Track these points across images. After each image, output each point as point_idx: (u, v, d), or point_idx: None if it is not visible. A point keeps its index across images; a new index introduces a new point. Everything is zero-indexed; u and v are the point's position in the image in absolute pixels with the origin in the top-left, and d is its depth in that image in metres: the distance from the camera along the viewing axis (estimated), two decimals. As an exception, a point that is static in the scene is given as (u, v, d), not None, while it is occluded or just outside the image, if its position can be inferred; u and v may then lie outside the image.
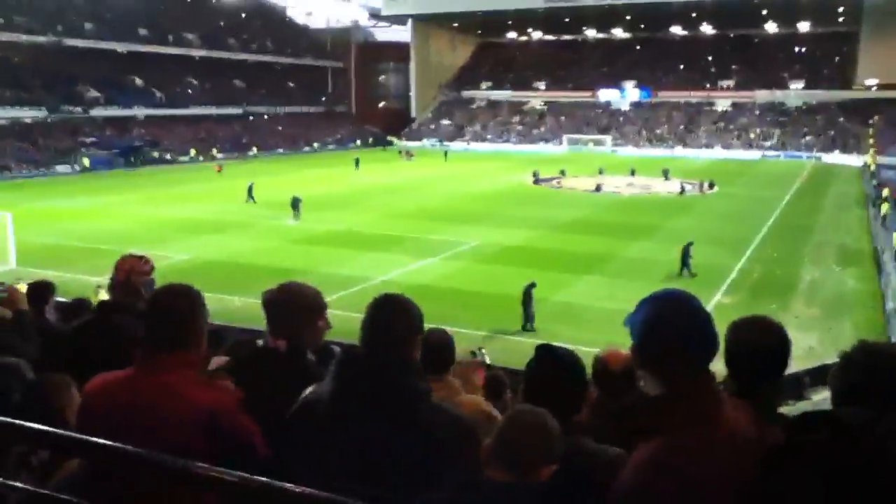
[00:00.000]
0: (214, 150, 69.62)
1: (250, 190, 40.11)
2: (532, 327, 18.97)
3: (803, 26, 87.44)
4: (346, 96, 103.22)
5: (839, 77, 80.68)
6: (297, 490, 1.65)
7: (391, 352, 2.26)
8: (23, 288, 6.41)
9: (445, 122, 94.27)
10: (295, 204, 35.11)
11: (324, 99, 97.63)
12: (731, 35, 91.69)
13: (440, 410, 2.25)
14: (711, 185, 47.51)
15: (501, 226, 33.41)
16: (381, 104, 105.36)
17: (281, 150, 77.28)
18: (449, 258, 27.49)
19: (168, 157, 65.85)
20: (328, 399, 2.26)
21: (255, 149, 73.93)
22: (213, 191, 45.58)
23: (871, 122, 72.36)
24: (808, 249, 29.63)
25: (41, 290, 5.56)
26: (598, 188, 46.95)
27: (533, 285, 19.63)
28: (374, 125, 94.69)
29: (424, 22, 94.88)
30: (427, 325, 2.52)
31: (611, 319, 18.19)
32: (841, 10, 77.86)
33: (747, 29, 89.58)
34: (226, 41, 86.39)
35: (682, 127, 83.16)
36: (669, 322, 1.93)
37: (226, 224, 33.86)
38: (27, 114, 62.15)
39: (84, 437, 1.91)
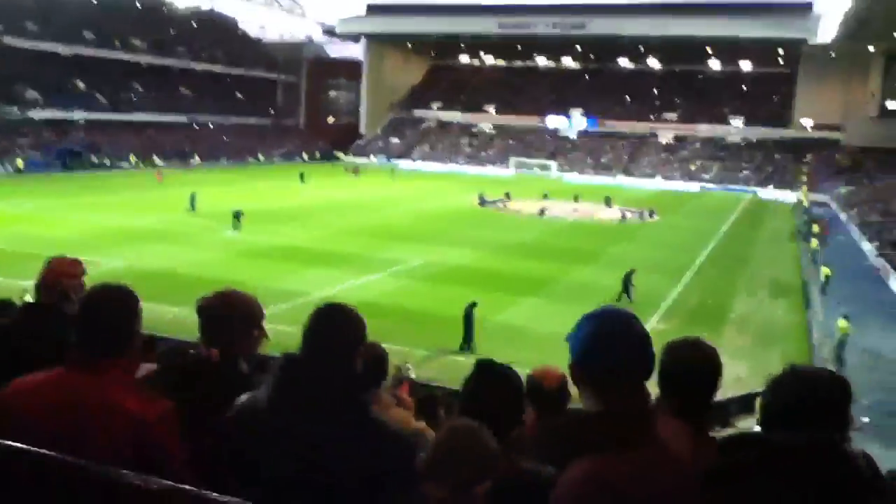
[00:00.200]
0: (156, 158, 68.16)
1: (193, 199, 39.37)
2: (471, 347, 18.99)
3: (745, 66, 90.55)
4: (296, 110, 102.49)
5: (777, 116, 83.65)
6: (223, 500, 1.60)
7: (334, 360, 2.22)
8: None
9: (395, 140, 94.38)
10: (237, 216, 34.58)
11: (272, 111, 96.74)
12: (677, 70, 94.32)
13: (380, 423, 2.21)
14: (652, 214, 48.55)
15: (446, 245, 33.49)
16: (331, 119, 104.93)
17: (225, 161, 76.11)
18: (392, 276, 27.40)
19: (107, 162, 64.25)
20: (266, 406, 2.19)
21: (197, 158, 72.57)
22: (152, 199, 44.60)
23: (805, 160, 75.18)
24: (741, 280, 30.46)
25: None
26: (542, 212, 47.51)
27: (474, 305, 19.69)
28: (322, 140, 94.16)
29: (378, 41, 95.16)
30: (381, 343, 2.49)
31: (550, 341, 18.33)
32: (780, 52, 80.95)
33: (692, 65, 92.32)
34: (175, 49, 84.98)
35: (626, 156, 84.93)
36: (607, 339, 1.94)
37: (164, 233, 33.12)
38: (-41, 112, 60.04)
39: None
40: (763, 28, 73.29)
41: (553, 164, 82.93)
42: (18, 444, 1.77)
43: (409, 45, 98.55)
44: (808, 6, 74.01)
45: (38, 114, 65.31)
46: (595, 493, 1.80)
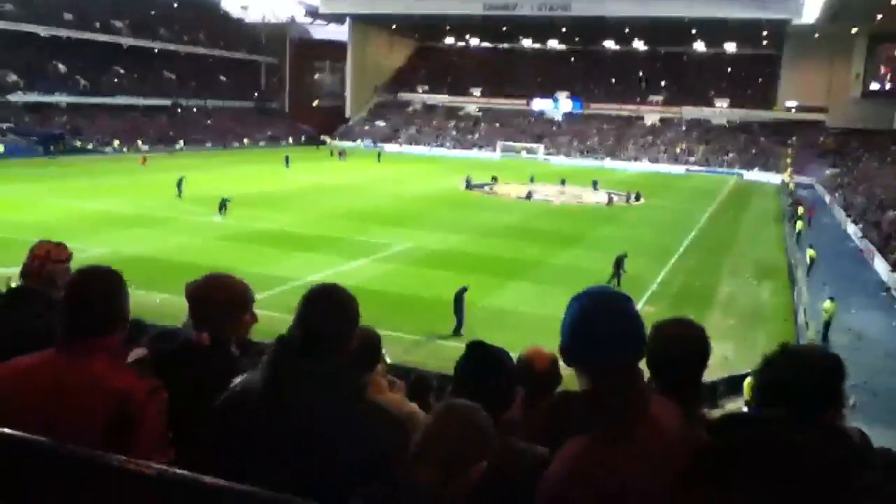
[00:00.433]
0: (140, 142, 67.54)
1: (180, 184, 39.07)
2: (462, 332, 19.01)
3: (730, 47, 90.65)
4: (280, 93, 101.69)
5: (762, 98, 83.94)
6: (213, 483, 1.59)
7: (329, 342, 2.20)
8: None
9: (380, 123, 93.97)
10: (223, 204, 34.34)
11: (256, 95, 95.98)
12: (662, 52, 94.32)
13: (377, 406, 2.20)
14: (638, 197, 48.69)
15: (433, 229, 33.47)
16: (315, 102, 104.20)
17: (209, 145, 75.53)
18: (380, 260, 27.36)
19: (90, 147, 63.60)
20: (261, 390, 2.17)
21: (181, 142, 72.01)
22: (136, 184, 44.23)
23: (789, 142, 75.54)
24: (727, 262, 30.66)
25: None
26: (529, 196, 47.53)
27: (465, 290, 19.70)
28: (307, 123, 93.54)
29: (363, 22, 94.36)
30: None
31: (539, 325, 18.40)
32: (765, 34, 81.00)
33: (677, 47, 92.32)
34: (156, 30, 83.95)
35: (611, 139, 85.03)
36: (597, 318, 1.94)
37: (148, 219, 32.89)
38: (-63, 95, 59.17)
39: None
40: (747, 9, 73.18)
41: (539, 147, 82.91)
42: (6, 430, 1.75)
43: (394, 27, 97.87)
44: (793, -14, 73.97)
45: (18, 97, 64.46)
46: (589, 470, 1.81)
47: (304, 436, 2.07)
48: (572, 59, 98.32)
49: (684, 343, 2.42)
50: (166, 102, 79.19)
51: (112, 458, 1.67)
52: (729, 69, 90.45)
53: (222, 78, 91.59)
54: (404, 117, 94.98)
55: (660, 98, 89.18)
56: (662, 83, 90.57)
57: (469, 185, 51.07)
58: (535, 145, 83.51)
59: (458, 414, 1.94)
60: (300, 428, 2.08)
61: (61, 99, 68.74)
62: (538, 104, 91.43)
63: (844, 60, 75.50)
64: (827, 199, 54.20)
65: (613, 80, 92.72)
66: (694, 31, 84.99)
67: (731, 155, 78.32)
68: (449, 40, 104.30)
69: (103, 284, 2.37)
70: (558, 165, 73.42)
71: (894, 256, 29.09)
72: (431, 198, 45.07)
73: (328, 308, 2.27)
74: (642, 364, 2.04)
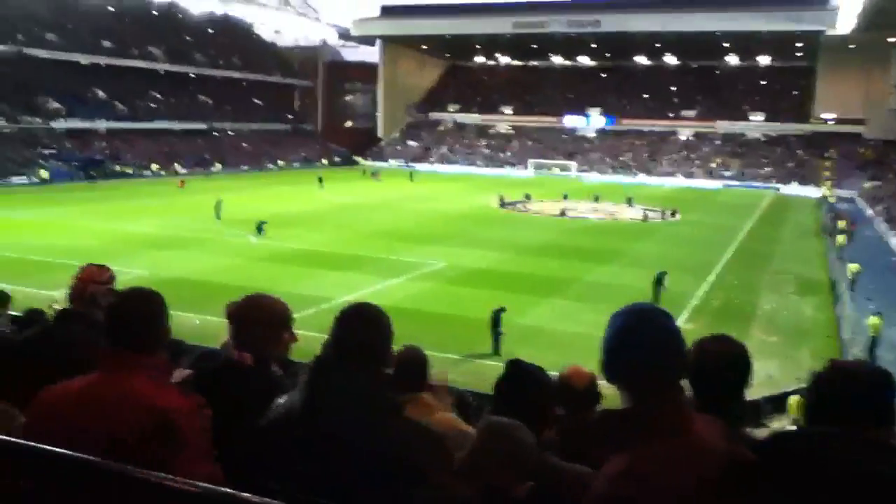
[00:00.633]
0: (177, 166, 68.80)
1: (218, 206, 39.67)
2: (499, 352, 18.91)
3: (763, 60, 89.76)
4: (313, 115, 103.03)
5: (797, 110, 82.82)
6: (257, 501, 1.60)
7: (364, 362, 2.21)
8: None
9: (412, 143, 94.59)
10: (259, 228, 34.81)
11: (290, 117, 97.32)
12: (694, 66, 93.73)
13: (412, 424, 2.20)
14: (674, 213, 48.23)
15: (468, 248, 33.49)
16: (348, 123, 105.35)
17: (245, 168, 76.66)
18: (415, 279, 27.41)
19: (129, 171, 64.95)
20: (299, 409, 2.19)
21: (218, 165, 73.22)
22: (174, 207, 45.00)
23: (827, 154, 74.35)
24: (767, 278, 30.17)
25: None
26: (562, 213, 47.36)
27: (502, 310, 19.64)
28: (340, 144, 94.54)
29: (393, 43, 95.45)
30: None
31: (574, 343, 18.28)
32: (799, 45, 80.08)
33: (709, 61, 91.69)
34: (192, 56, 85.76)
35: (645, 155, 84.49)
36: (639, 335, 1.92)
37: (186, 240, 33.40)
38: (-16, 123, 60.90)
39: (36, 445, 1.82)
40: (779, 21, 72.53)
41: (572, 164, 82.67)
42: (57, 449, 1.78)
43: (424, 47, 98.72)
44: (826, -3, 73.19)
45: (60, 124, 66.14)
46: (632, 486, 1.79)
47: (339, 454, 2.08)
48: (603, 74, 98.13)
49: (725, 360, 2.39)
50: (202, 126, 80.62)
51: (157, 476, 1.68)
52: (763, 82, 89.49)
53: (257, 101, 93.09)
54: (436, 136, 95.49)
55: (693, 112, 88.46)
56: (695, 97, 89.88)
57: (502, 203, 51.07)
58: (567, 162, 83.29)
59: (501, 432, 1.93)
60: (335, 446, 2.09)
61: (101, 125, 70.32)
62: (570, 121, 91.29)
63: (881, 70, 74.12)
64: (868, 211, 53.12)
65: (645, 95, 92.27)
66: (726, 45, 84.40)
67: (767, 169, 77.28)
68: (479, 59, 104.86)
69: (144, 305, 2.43)
70: (591, 182, 73.10)
71: (940, 269, 28.36)
72: (465, 216, 45.13)
73: (360, 326, 2.28)
74: (683, 382, 2.02)
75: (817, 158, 75.87)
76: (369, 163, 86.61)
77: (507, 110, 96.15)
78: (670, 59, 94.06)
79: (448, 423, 3.00)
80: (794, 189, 70.62)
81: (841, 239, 36.47)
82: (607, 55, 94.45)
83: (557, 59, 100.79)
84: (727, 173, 77.97)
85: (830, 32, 70.97)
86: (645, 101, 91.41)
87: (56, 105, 66.88)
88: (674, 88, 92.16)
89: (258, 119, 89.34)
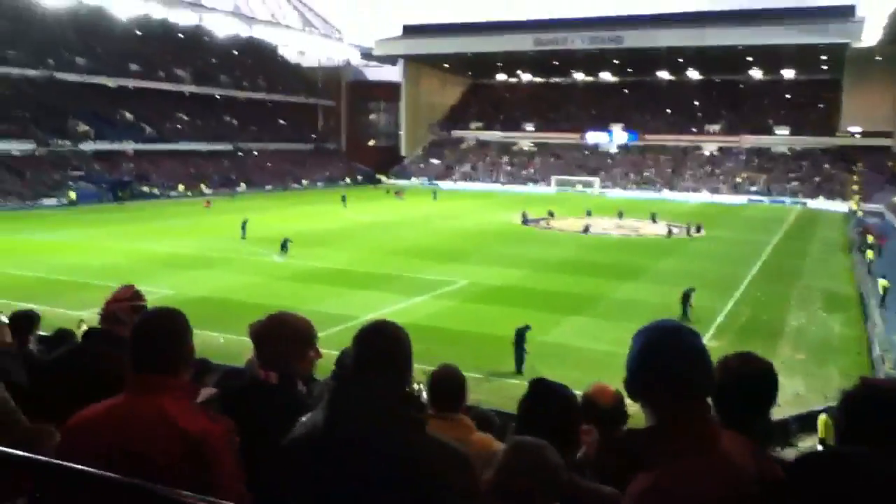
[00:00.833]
0: (203, 186, 69.62)
1: (244, 226, 40.08)
2: (522, 370, 18.82)
3: (788, 73, 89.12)
4: (336, 134, 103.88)
5: (823, 124, 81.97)
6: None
7: (385, 378, 2.21)
8: (3, 320, 6.28)
9: (435, 161, 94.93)
10: (284, 245, 35.08)
11: (314, 136, 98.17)
12: (718, 80, 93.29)
13: (435, 442, 2.19)
14: (699, 229, 47.84)
15: (491, 265, 33.45)
16: (371, 142, 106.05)
17: (269, 187, 77.38)
18: (438, 297, 27.41)
19: (156, 192, 65.81)
20: (321, 427, 2.20)
21: (243, 185, 73.98)
22: (200, 227, 45.47)
23: (854, 168, 73.39)
24: (794, 294, 29.76)
25: (25, 321, 5.46)
26: (586, 229, 47.17)
27: (527, 328, 19.56)
28: (363, 163, 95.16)
29: (415, 62, 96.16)
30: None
31: (598, 360, 18.15)
32: (824, 58, 79.43)
33: (733, 75, 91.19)
34: (217, 78, 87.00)
35: (669, 170, 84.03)
36: (663, 352, 1.91)
37: (212, 260, 33.72)
38: (16, 147, 62.01)
39: (68, 464, 1.85)
40: (804, 34, 72.06)
41: (595, 180, 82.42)
42: (90, 469, 1.80)
43: (446, 65, 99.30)
44: (851, 9, 72.40)
45: (88, 146, 67.28)
46: (662, 503, 1.77)
47: (361, 471, 2.08)
48: (625, 90, 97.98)
49: (751, 378, 2.35)
50: (228, 147, 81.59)
51: (189, 496, 1.69)
52: (788, 96, 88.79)
53: (281, 121, 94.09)
54: (458, 154, 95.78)
55: (717, 127, 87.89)
56: (719, 111, 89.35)
57: (525, 220, 50.99)
58: (590, 178, 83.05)
59: (528, 451, 1.92)
60: (357, 463, 2.09)
61: (129, 146, 71.40)
62: (592, 137, 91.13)
63: (909, 82, 73.39)
64: (898, 225, 52.29)
65: (668, 110, 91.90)
66: (749, 59, 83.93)
67: (793, 183, 76.50)
68: (501, 76, 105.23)
69: (167, 325, 2.44)
70: (615, 198, 72.81)
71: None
72: (488, 233, 45.12)
73: (380, 342, 2.28)
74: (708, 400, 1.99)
75: (844, 172, 74.96)
76: (392, 181, 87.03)
77: (530, 127, 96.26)
78: (693, 74, 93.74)
79: (485, 443, 2.98)
80: (820, 203, 69.82)
81: (870, 254, 35.90)
82: (629, 70, 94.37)
83: (579, 76, 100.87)
84: (753, 188, 77.27)
85: (856, 45, 70.27)
86: (668, 117, 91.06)
87: (84, 127, 68.08)
88: (697, 103, 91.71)
89: (282, 139, 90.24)
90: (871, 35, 66.17)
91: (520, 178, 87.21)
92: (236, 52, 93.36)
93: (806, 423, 14.66)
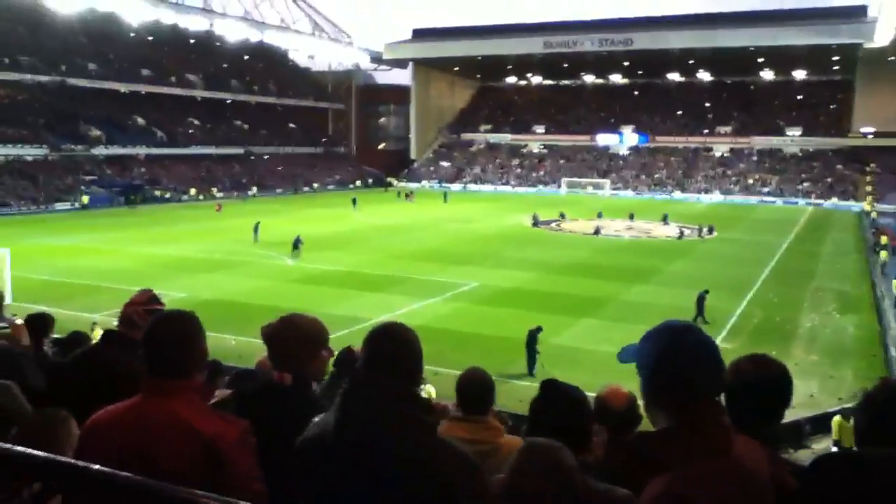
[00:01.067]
0: (214, 190, 69.90)
1: (256, 229, 40.24)
2: (533, 372, 18.78)
3: (799, 74, 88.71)
4: (346, 137, 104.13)
5: (835, 124, 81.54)
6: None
7: (394, 380, 2.21)
8: (20, 322, 6.34)
9: (445, 163, 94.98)
10: (296, 244, 35.22)
11: (324, 140, 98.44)
12: (728, 82, 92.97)
13: (444, 444, 2.19)
14: (710, 230, 47.64)
15: (502, 267, 33.41)
16: (381, 145, 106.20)
17: (280, 191, 77.63)
18: (449, 299, 27.40)
19: (168, 196, 66.16)
20: (333, 429, 2.20)
21: (254, 189, 74.26)
22: (212, 230, 45.64)
23: (868, 169, 72.89)
24: (807, 295, 29.57)
25: (40, 323, 5.51)
26: (597, 231, 47.06)
27: (539, 330, 19.52)
28: (373, 166, 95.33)
29: (425, 66, 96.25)
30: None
31: (609, 363, 18.03)
32: (836, 59, 78.99)
33: (744, 76, 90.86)
34: (228, 82, 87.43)
35: (680, 172, 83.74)
36: (676, 353, 1.90)
37: (223, 263, 33.84)
38: (28, 152, 62.42)
39: (84, 464, 1.86)
40: (815, 34, 71.70)
41: (605, 182, 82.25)
42: (105, 469, 1.81)
43: (456, 69, 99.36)
44: (863, 9, 72.01)
45: (100, 151, 67.72)
46: None
47: (371, 472, 2.09)
48: (635, 92, 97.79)
49: (764, 381, 2.32)
50: (239, 151, 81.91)
51: (205, 497, 1.70)
52: (799, 97, 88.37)
53: (291, 125, 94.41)
54: (468, 157, 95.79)
55: (728, 128, 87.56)
56: (730, 113, 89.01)
57: (536, 223, 50.93)
58: (601, 180, 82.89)
59: (542, 452, 1.91)
60: (367, 464, 2.10)
61: (140, 151, 71.83)
62: (602, 139, 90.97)
63: (922, 82, 72.87)
64: (911, 226, 51.87)
65: (679, 111, 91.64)
66: (760, 60, 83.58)
67: (806, 184, 76.09)
68: (510, 79, 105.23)
69: (179, 328, 2.45)
70: (625, 199, 72.63)
71: None
72: (499, 236, 45.10)
73: (389, 344, 2.27)
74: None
75: (857, 173, 74.50)
76: (403, 184, 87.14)
77: (540, 129, 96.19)
78: (704, 76, 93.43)
79: (514, 446, 2.98)
80: (834, 204, 69.42)
81: (884, 255, 35.64)
82: (640, 72, 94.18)
83: (589, 78, 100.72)
84: (765, 189, 76.90)
85: (868, 45, 69.83)
86: (679, 118, 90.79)
87: (97, 132, 68.52)
88: (708, 104, 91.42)
89: (293, 143, 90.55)
90: (883, 35, 65.65)
91: (530, 181, 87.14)
92: (247, 57, 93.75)
93: (820, 424, 14.56)
